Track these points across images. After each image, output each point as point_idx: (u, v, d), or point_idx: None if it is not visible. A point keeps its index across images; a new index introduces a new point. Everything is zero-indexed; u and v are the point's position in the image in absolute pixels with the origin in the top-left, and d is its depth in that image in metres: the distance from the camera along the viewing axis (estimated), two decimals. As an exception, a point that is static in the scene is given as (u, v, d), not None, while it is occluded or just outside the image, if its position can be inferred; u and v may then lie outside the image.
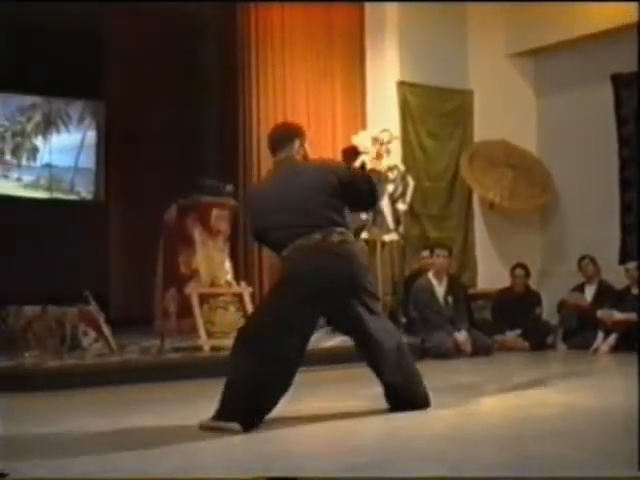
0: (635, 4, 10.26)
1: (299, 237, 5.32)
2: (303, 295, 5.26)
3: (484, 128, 11.93)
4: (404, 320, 10.13)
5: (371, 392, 5.71)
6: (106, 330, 8.08)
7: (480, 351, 9.59)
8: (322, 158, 6.27)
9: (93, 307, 8.09)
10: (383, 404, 5.59)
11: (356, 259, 5.42)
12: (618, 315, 9.92)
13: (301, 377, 5.39)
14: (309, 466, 4.10)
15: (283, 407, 5.26)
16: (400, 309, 10.38)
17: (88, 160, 13.96)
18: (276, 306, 5.35)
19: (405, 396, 5.54)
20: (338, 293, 5.34)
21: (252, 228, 5.82)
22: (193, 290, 8.27)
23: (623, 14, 10.69)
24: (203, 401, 5.51)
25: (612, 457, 4.18)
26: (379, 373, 5.54)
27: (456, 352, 9.42)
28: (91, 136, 13.98)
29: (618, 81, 11.26)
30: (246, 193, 5.52)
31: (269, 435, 4.90)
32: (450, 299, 9.86)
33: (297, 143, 5.58)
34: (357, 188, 5.49)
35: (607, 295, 10.36)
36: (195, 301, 8.23)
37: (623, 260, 10.90)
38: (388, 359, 5.46)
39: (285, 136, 5.62)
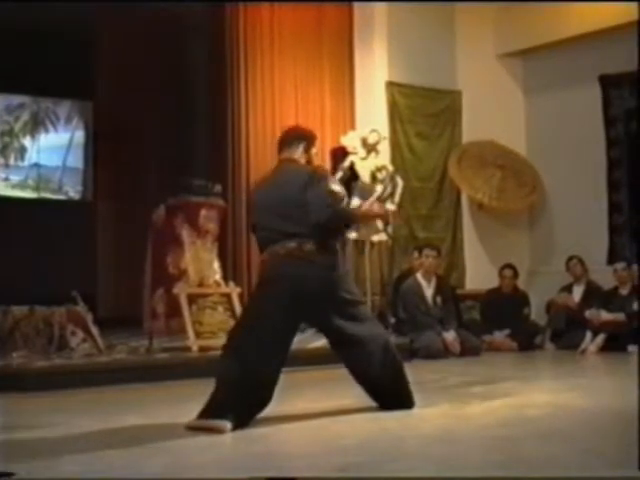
0: (624, 5, 10.31)
1: (276, 243, 5.35)
2: (282, 298, 5.29)
3: (473, 128, 11.95)
4: (393, 320, 10.13)
5: (359, 392, 5.70)
6: (94, 330, 8.04)
7: (469, 351, 9.60)
8: (320, 166, 6.25)
9: (81, 307, 8.06)
10: (371, 404, 5.59)
11: (330, 269, 5.41)
12: (606, 315, 9.96)
13: (289, 378, 5.40)
14: (299, 466, 4.10)
15: (271, 407, 5.25)
16: (389, 310, 10.39)
17: (76, 160, 13.93)
18: (259, 309, 5.38)
19: (391, 396, 5.56)
20: (312, 300, 5.35)
21: (249, 221, 5.80)
22: (181, 290, 8.25)
23: (611, 15, 10.73)
24: (192, 401, 5.49)
25: (602, 457, 4.19)
26: (358, 377, 5.59)
27: (445, 352, 9.43)
28: (79, 136, 13.95)
29: (606, 82, 11.29)
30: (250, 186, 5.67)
31: (258, 435, 4.90)
32: (439, 299, 9.86)
33: (302, 147, 5.59)
34: (323, 212, 5.33)
35: (595, 295, 10.39)
36: (183, 301, 8.21)
37: (611, 260, 10.94)
38: (371, 362, 5.49)
39: (292, 137, 5.66)
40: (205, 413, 5.08)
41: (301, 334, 10.15)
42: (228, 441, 4.78)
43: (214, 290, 8.53)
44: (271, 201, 5.41)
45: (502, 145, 11.98)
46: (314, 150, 5.69)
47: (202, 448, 4.58)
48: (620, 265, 10.39)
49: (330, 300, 5.39)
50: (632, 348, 9.50)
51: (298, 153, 5.58)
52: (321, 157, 11.46)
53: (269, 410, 5.23)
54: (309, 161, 5.63)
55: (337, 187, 5.48)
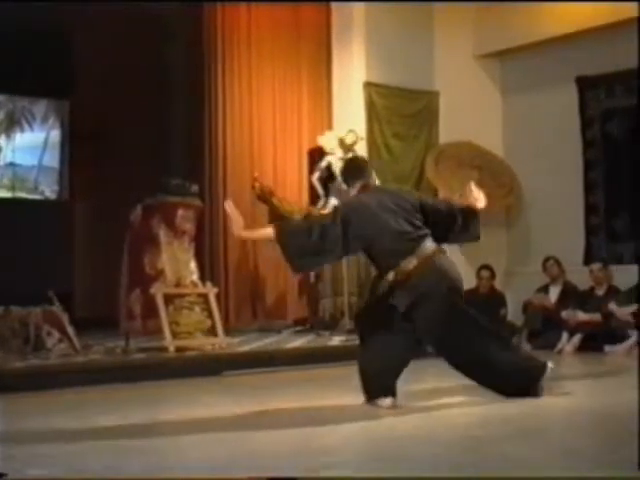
0: (600, 7, 10.39)
1: (418, 246, 5.68)
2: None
3: (450, 129, 11.95)
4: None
5: (338, 392, 5.70)
6: (70, 330, 8.01)
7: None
8: None
9: (57, 307, 8.02)
10: (351, 403, 5.58)
11: None
12: (582, 316, 9.99)
13: (268, 378, 5.39)
14: (279, 465, 4.08)
15: (250, 407, 5.24)
16: (366, 310, 10.37)
17: (52, 159, 13.84)
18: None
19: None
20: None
21: (360, 237, 5.79)
22: (158, 290, 8.22)
23: (589, 17, 10.78)
24: (169, 401, 5.50)
25: (579, 456, 4.20)
26: None
27: (422, 352, 9.40)
28: (55, 135, 13.86)
29: (583, 83, 11.32)
30: (344, 206, 6.04)
31: (239, 435, 4.88)
32: (416, 299, 9.84)
33: (373, 173, 6.36)
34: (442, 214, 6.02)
35: (571, 296, 10.42)
36: (160, 301, 8.18)
37: (587, 261, 10.98)
38: None
39: (362, 167, 6.20)
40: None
41: (278, 335, 10.21)
42: (208, 441, 4.76)
43: (191, 290, 8.51)
44: (397, 215, 5.75)
45: (479, 146, 12.00)
46: None
47: (181, 448, 4.56)
48: (596, 266, 10.44)
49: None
50: (609, 348, 9.55)
51: (372, 179, 6.20)
52: (298, 157, 11.49)
53: (249, 410, 5.22)
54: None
55: None
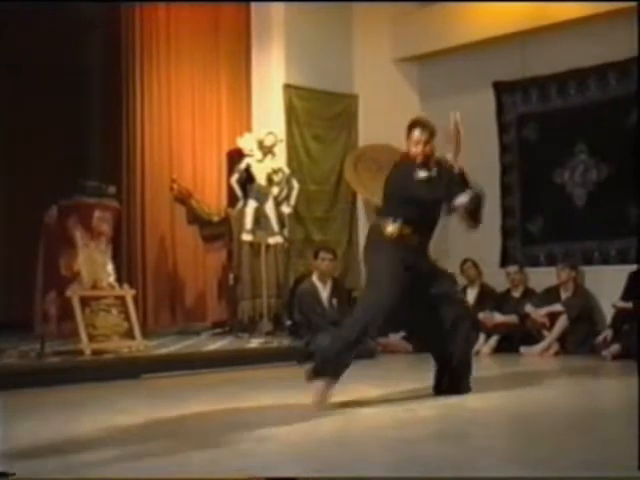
0: (516, 12, 10.53)
1: None
2: None
3: (369, 132, 11.99)
4: (289, 323, 10.12)
5: (253, 395, 5.68)
6: (-18, 334, 7.88)
7: (363, 353, 9.60)
8: None
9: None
10: (267, 405, 5.56)
11: None
12: (499, 317, 10.14)
13: (187, 380, 5.34)
14: (196, 469, 4.05)
15: (166, 412, 5.18)
16: (285, 312, 10.38)
17: (-35, 158, 13.57)
18: None
19: None
20: None
21: None
22: (74, 293, 8.11)
23: (505, 23, 10.91)
24: (85, 405, 5.40)
25: (496, 455, 4.24)
26: None
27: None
28: (-32, 134, 13.60)
29: (500, 88, 11.47)
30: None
31: (158, 439, 4.83)
32: (334, 302, 9.84)
33: None
34: None
35: (488, 298, 10.56)
36: (76, 304, 8.07)
37: (504, 263, 11.12)
38: None
39: None
40: None
41: (197, 337, 10.17)
42: (115, 442, 4.69)
43: (108, 293, 8.42)
44: None
45: (398, 149, 12.04)
46: None
47: (105, 453, 4.49)
48: (512, 268, 10.60)
49: None
50: (524, 349, 9.69)
51: None
52: (217, 159, 11.45)
53: (168, 413, 5.17)
54: None
55: None
